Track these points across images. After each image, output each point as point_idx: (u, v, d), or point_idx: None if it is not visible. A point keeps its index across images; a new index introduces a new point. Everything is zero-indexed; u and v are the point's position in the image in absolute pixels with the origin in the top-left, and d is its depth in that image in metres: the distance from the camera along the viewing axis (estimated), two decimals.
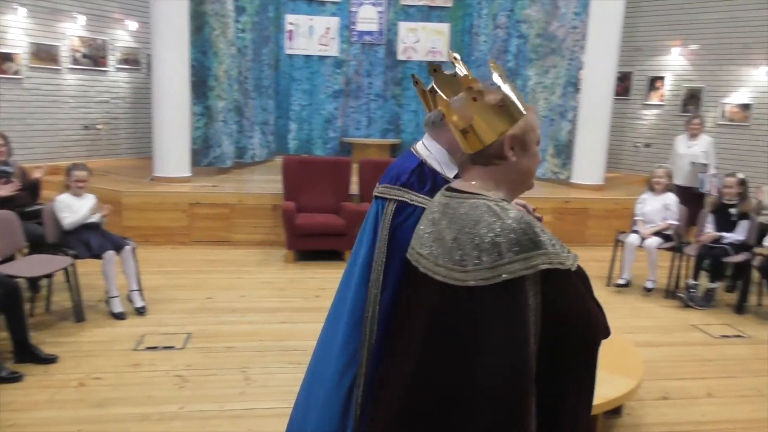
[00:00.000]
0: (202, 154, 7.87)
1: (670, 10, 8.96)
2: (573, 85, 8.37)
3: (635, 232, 5.73)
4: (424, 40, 9.75)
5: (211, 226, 6.67)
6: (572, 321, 1.36)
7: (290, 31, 9.49)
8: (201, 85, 7.77)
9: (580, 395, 1.43)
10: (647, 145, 9.25)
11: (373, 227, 1.92)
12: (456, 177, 1.89)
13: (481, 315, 1.33)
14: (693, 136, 7.02)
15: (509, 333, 1.32)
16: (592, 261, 6.78)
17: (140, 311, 4.58)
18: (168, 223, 6.59)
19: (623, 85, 9.35)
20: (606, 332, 1.43)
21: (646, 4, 9.14)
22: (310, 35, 9.54)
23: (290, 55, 9.57)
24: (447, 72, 1.89)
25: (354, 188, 6.77)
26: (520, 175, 1.46)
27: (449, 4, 9.74)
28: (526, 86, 9.15)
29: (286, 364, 3.83)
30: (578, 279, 1.40)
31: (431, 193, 1.83)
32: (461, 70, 1.71)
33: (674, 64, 9.02)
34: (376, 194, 1.97)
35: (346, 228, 6.16)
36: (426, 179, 1.92)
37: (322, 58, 9.63)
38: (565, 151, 8.53)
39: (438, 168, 1.94)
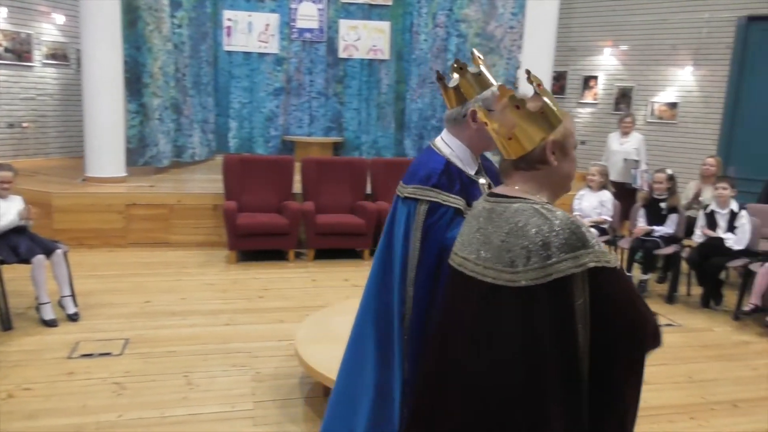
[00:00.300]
0: (138, 154, 7.61)
1: (601, 12, 9.28)
2: (512, 84, 8.54)
3: None
4: (365, 38, 9.74)
5: (149, 227, 6.46)
6: (621, 316, 1.39)
7: (228, 28, 9.29)
8: (135, 81, 7.51)
9: (630, 398, 1.44)
10: (583, 143, 9.54)
11: (406, 228, 1.96)
12: (477, 174, 2.02)
13: (530, 315, 1.37)
14: (625, 133, 7.29)
15: (557, 332, 1.36)
16: None
17: (73, 318, 4.38)
18: (102, 225, 6.34)
19: (559, 84, 9.63)
20: (655, 332, 1.44)
21: (578, 6, 9.43)
22: (249, 32, 9.37)
23: (229, 52, 9.38)
24: (472, 70, 1.97)
25: (297, 187, 6.69)
26: (560, 179, 1.53)
27: (389, 3, 9.76)
28: None
29: (230, 367, 3.75)
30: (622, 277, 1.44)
31: (461, 193, 1.94)
32: (486, 71, 1.87)
33: (606, 64, 9.35)
34: (407, 195, 1.99)
35: (289, 227, 6.09)
36: (455, 179, 1.97)
37: (261, 55, 9.47)
38: None
39: (461, 166, 2.00)
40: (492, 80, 2.01)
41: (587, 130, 9.55)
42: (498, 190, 1.56)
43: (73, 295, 4.47)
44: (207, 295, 5.08)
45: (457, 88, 2.01)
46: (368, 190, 6.89)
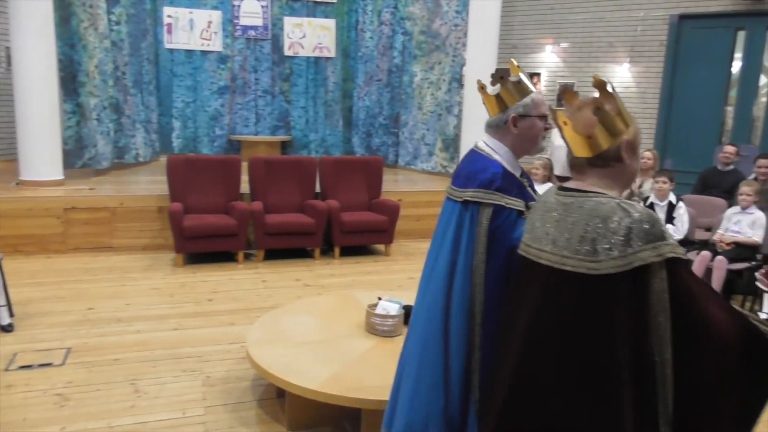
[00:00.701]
0: (76, 155, 7.34)
1: (541, 11, 9.49)
2: (458, 81, 8.65)
3: None
4: (310, 36, 9.67)
5: (90, 231, 6.24)
6: (699, 309, 1.47)
7: (169, 25, 9.06)
8: (71, 81, 7.23)
9: (724, 404, 1.47)
10: None
11: (470, 231, 2.01)
12: (521, 176, 2.13)
13: (610, 301, 1.46)
14: None
15: (637, 319, 1.46)
16: None
17: (7, 329, 4.18)
18: (39, 230, 6.08)
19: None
20: (743, 332, 1.47)
21: (520, 4, 9.62)
22: (191, 29, 9.17)
23: (170, 50, 9.15)
24: (512, 79, 2.08)
25: (245, 187, 6.59)
26: (629, 176, 1.64)
27: (334, 0, 9.72)
28: (412, 82, 9.35)
29: (180, 373, 3.66)
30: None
31: (518, 196, 2.03)
32: (525, 79, 2.03)
33: (548, 61, 9.57)
34: (468, 198, 2.04)
35: (237, 228, 5.99)
36: (512, 182, 2.06)
37: (204, 53, 9.28)
38: (452, 145, 8.81)
39: (510, 169, 2.09)
40: (531, 87, 2.11)
41: None
42: (570, 185, 1.67)
43: (8, 305, 4.27)
44: (153, 300, 4.94)
45: (498, 96, 2.11)
46: (317, 188, 6.85)
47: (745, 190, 5.34)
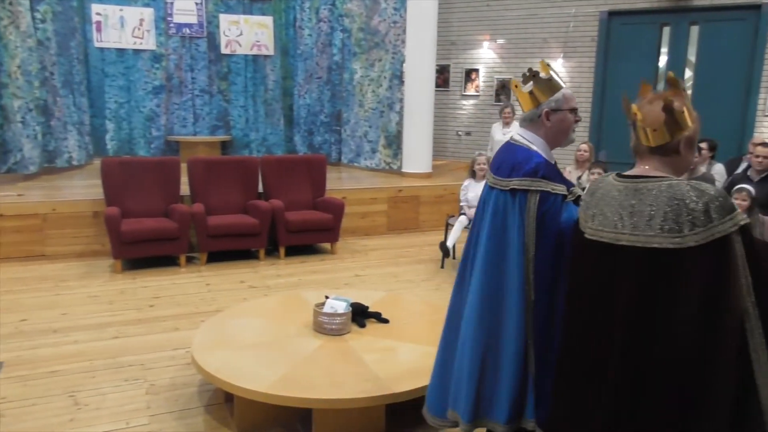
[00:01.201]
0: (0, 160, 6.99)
1: (477, 7, 9.65)
2: (398, 78, 8.69)
3: (463, 215, 6.12)
4: (247, 34, 9.51)
5: (20, 240, 5.95)
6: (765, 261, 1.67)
7: (98, 23, 8.73)
8: None
9: None
10: (468, 133, 9.91)
11: (520, 218, 2.16)
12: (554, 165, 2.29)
13: (697, 270, 1.63)
14: (506, 123, 7.65)
15: (723, 284, 1.63)
16: (426, 245, 7.14)
17: None
18: None
19: (442, 77, 9.91)
20: None
21: (457, 1, 9.75)
22: (122, 27, 8.86)
23: (101, 49, 8.82)
24: (543, 76, 2.27)
25: (185, 189, 6.43)
26: (684, 167, 1.85)
27: None
28: (353, 79, 9.34)
29: (121, 382, 3.54)
30: None
31: (561, 182, 2.19)
32: (555, 76, 2.26)
33: (486, 57, 9.75)
34: (514, 186, 2.18)
35: (178, 231, 5.84)
36: (554, 170, 2.24)
37: (137, 51, 9.00)
38: (395, 142, 8.85)
39: (548, 159, 2.27)
40: (561, 83, 2.30)
41: (471, 121, 9.91)
42: (632, 172, 1.85)
43: None
44: (91, 309, 4.76)
45: (531, 93, 2.29)
46: (260, 188, 6.76)
47: None
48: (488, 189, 2.32)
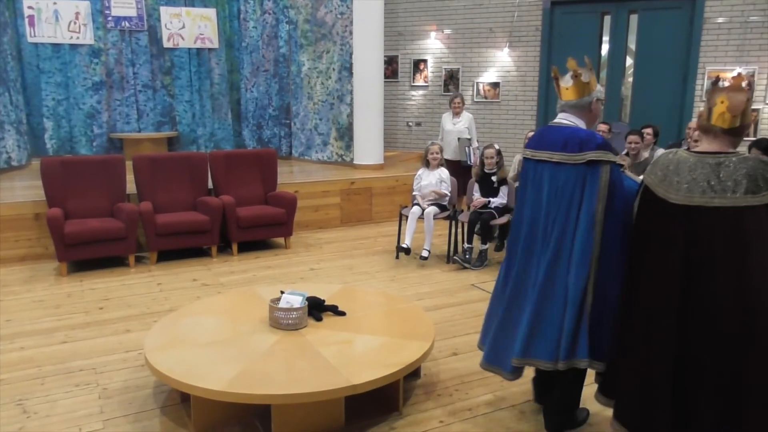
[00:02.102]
0: None
1: None
2: (348, 70, 8.65)
3: (416, 205, 6.16)
4: (190, 26, 9.29)
5: None
6: None
7: (31, 17, 8.37)
8: None
9: None
10: (418, 124, 9.96)
11: (591, 186, 2.58)
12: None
13: (760, 224, 2.20)
14: (456, 113, 7.73)
15: None
16: (380, 237, 7.16)
17: None
18: None
19: (391, 68, 9.93)
20: None
21: None
22: (57, 21, 8.51)
23: (35, 44, 8.46)
24: (581, 69, 2.75)
25: (131, 187, 6.26)
26: (737, 146, 2.36)
27: None
28: (300, 72, 9.26)
29: (72, 388, 3.44)
30: None
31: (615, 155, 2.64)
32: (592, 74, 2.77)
33: (433, 47, 9.80)
34: (591, 159, 2.58)
35: (125, 231, 5.68)
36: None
37: (74, 46, 8.66)
38: (347, 134, 8.82)
39: None
40: (595, 80, 2.79)
41: (420, 111, 9.97)
42: (707, 148, 2.35)
43: None
44: (37, 314, 4.60)
45: (584, 84, 2.74)
46: (210, 185, 6.64)
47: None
48: (541, 165, 2.74)
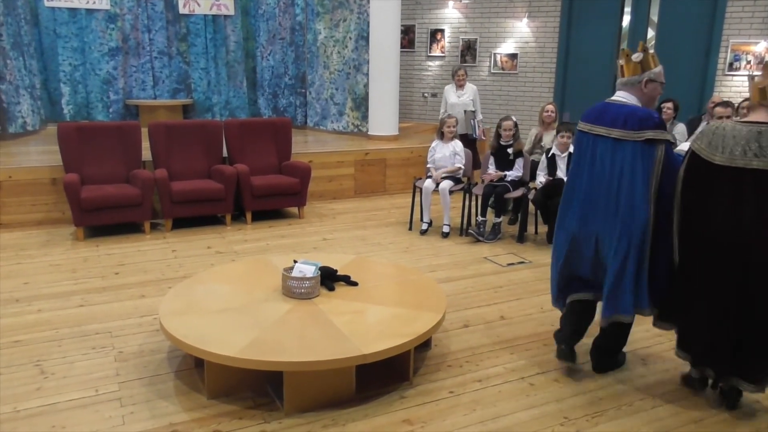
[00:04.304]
0: None
1: None
2: (365, 39, 8.55)
3: (429, 177, 6.13)
4: None
5: None
6: None
7: None
8: None
9: None
10: (434, 95, 9.86)
11: (650, 161, 2.84)
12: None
13: None
14: (460, 86, 7.60)
15: None
16: (393, 208, 7.16)
17: None
18: None
19: (407, 37, 9.80)
20: None
21: None
22: None
23: (51, 8, 8.43)
24: (651, 51, 3.01)
25: (146, 154, 6.28)
26: None
27: None
28: (317, 40, 9.16)
29: (89, 350, 3.51)
30: None
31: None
32: (652, 55, 2.99)
33: (451, 17, 9.65)
34: (649, 137, 2.82)
35: (141, 197, 5.73)
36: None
37: (90, 11, 8.63)
38: (363, 104, 8.76)
39: None
40: (657, 60, 3.00)
41: (437, 82, 9.86)
42: (750, 118, 2.67)
43: None
44: (54, 277, 4.67)
45: (640, 62, 2.94)
46: (224, 153, 6.64)
47: None
48: (599, 140, 2.97)
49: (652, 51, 3.00)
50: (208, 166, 6.44)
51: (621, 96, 3.01)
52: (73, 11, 8.53)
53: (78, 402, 2.98)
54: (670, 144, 2.88)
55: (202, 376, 3.12)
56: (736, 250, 2.65)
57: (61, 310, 4.06)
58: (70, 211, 5.59)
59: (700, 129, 2.79)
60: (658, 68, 2.98)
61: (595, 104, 3.07)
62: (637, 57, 2.94)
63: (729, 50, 7.96)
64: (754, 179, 2.56)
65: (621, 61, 3.02)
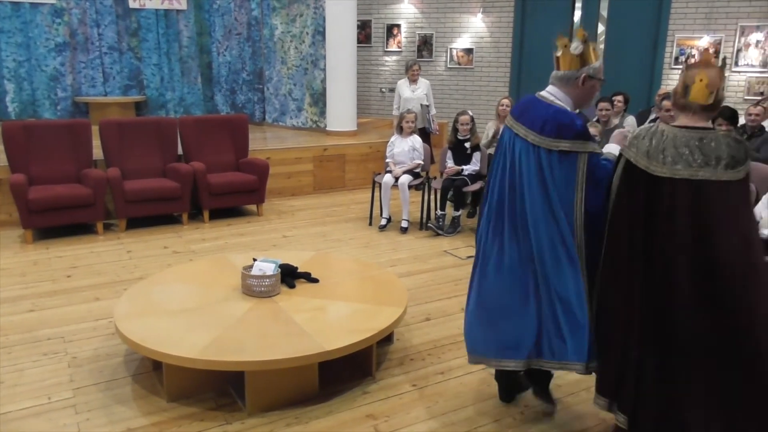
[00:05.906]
0: None
1: None
2: (321, 34, 8.49)
3: (389, 172, 6.14)
4: None
5: None
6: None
7: None
8: None
9: None
10: (391, 90, 9.86)
11: (570, 173, 2.43)
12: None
13: (747, 194, 2.30)
14: (413, 81, 7.64)
15: (750, 212, 2.33)
16: (353, 204, 7.15)
17: None
18: None
19: (364, 32, 9.78)
20: None
21: None
22: None
23: None
24: (592, 43, 2.55)
25: (98, 153, 6.10)
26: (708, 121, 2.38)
27: None
28: (273, 35, 9.06)
29: (40, 357, 3.39)
30: None
31: (592, 139, 2.50)
32: (598, 47, 2.71)
33: (407, 12, 9.67)
34: (564, 149, 2.42)
35: (93, 197, 5.56)
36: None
37: (34, 5, 8.32)
38: (321, 100, 8.70)
39: None
40: (600, 54, 2.61)
41: (394, 77, 9.86)
42: (687, 123, 2.31)
43: None
44: (2, 282, 4.50)
45: (580, 55, 2.50)
46: (180, 151, 6.51)
47: (591, 131, 5.79)
48: (518, 139, 2.54)
49: (593, 42, 2.57)
50: (163, 165, 6.30)
51: (551, 92, 2.56)
52: (16, 5, 8.22)
53: (30, 411, 2.88)
54: (597, 154, 2.47)
55: (160, 378, 3.06)
56: (672, 264, 2.28)
57: (10, 316, 3.92)
58: (18, 213, 5.39)
59: (637, 130, 2.42)
60: (598, 63, 2.54)
61: (527, 95, 2.67)
62: (576, 48, 2.49)
63: (675, 44, 8.21)
64: (701, 190, 2.23)
65: (558, 53, 2.55)
